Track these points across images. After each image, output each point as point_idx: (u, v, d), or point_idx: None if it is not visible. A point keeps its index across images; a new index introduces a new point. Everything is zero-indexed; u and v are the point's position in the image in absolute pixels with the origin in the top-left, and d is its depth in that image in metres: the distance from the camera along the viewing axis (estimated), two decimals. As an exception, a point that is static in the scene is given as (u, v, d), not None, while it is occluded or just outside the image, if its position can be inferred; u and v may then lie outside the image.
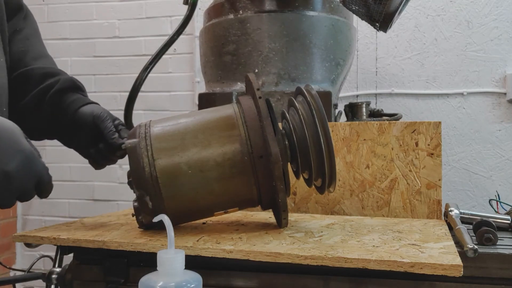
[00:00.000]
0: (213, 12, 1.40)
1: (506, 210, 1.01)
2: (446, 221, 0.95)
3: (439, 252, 0.68)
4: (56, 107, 0.91)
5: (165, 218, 0.55)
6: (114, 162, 0.93)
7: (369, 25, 1.27)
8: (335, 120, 1.35)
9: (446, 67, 1.98)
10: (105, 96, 2.39)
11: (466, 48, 1.97)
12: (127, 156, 0.81)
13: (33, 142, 0.71)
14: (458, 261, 0.62)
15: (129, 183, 0.82)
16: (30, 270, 1.00)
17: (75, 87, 0.93)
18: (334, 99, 1.32)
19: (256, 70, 1.30)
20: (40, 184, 0.71)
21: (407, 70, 2.02)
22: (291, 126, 0.82)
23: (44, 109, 0.91)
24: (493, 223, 0.80)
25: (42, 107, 0.91)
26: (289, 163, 0.85)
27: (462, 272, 0.61)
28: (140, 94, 1.43)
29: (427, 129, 1.03)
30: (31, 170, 0.69)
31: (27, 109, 0.91)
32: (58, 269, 0.87)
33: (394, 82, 2.03)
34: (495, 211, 1.07)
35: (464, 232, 0.77)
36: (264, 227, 0.88)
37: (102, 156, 0.91)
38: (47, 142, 2.51)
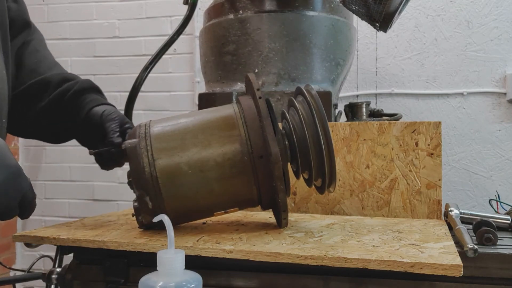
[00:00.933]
0: (213, 12, 1.40)
1: (506, 210, 1.01)
2: (446, 221, 0.95)
3: (439, 252, 0.68)
4: (74, 107, 0.92)
5: (165, 218, 0.55)
6: (120, 164, 0.93)
7: (369, 25, 1.27)
8: (335, 120, 1.35)
9: (446, 67, 1.98)
10: (105, 96, 2.39)
11: (466, 48, 1.97)
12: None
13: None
14: (458, 261, 0.62)
15: (129, 183, 0.82)
16: (30, 270, 1.00)
17: (93, 88, 0.95)
18: (334, 99, 1.32)
19: (256, 70, 1.30)
20: (23, 202, 0.69)
21: (407, 70, 2.02)
22: (291, 126, 0.82)
23: (62, 111, 0.92)
24: (493, 223, 0.80)
25: (61, 108, 0.92)
26: (289, 163, 0.85)
27: (462, 272, 0.61)
28: (140, 94, 1.44)
29: (427, 129, 1.03)
30: (16, 186, 0.66)
31: (45, 112, 0.92)
32: (58, 269, 0.87)
33: (394, 82, 2.03)
34: (495, 211, 1.07)
35: (464, 232, 0.77)
36: (264, 227, 0.88)
37: (107, 156, 0.91)
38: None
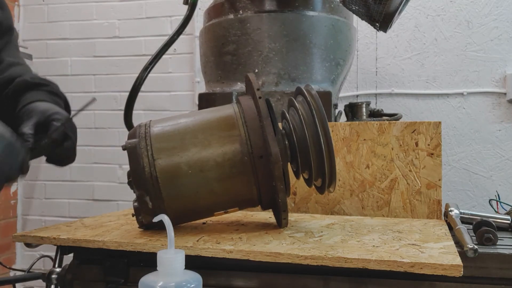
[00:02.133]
0: (213, 12, 1.40)
1: (506, 210, 1.01)
2: (446, 221, 0.95)
3: (439, 252, 0.68)
4: (11, 112, 0.87)
5: (165, 218, 0.55)
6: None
7: (369, 25, 1.27)
8: (335, 120, 1.35)
9: (446, 67, 1.98)
10: (105, 96, 2.39)
11: (466, 48, 1.97)
12: (127, 156, 0.81)
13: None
14: (458, 261, 0.62)
15: (129, 183, 0.82)
16: (30, 270, 1.00)
17: (29, 85, 0.88)
18: (334, 99, 1.32)
19: (256, 70, 1.30)
20: (23, 166, 0.72)
21: (407, 70, 2.02)
22: (291, 126, 0.82)
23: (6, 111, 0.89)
24: (493, 223, 0.80)
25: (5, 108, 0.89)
26: (289, 163, 0.85)
27: (462, 272, 0.61)
28: (140, 94, 1.43)
29: (427, 129, 1.03)
30: (15, 155, 0.69)
31: None
32: (58, 269, 0.87)
33: (394, 82, 2.03)
34: (495, 211, 1.07)
35: (464, 232, 0.77)
36: (264, 227, 0.88)
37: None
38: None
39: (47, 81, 0.91)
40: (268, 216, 1.01)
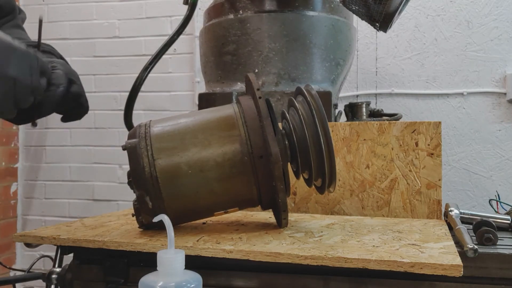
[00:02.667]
0: (213, 12, 1.40)
1: (506, 210, 1.01)
2: (446, 221, 0.95)
3: (439, 252, 0.68)
4: None
5: (165, 218, 0.55)
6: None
7: (369, 25, 1.27)
8: (335, 120, 1.35)
9: (446, 67, 1.98)
10: (105, 96, 2.39)
11: (466, 48, 1.97)
12: (127, 156, 0.81)
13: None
14: (458, 261, 0.62)
15: (129, 183, 0.82)
16: (30, 270, 1.00)
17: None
18: (334, 99, 1.32)
19: (256, 70, 1.30)
20: (46, 73, 0.71)
21: (407, 70, 2.02)
22: (291, 126, 0.82)
23: None
24: (493, 223, 0.80)
25: None
26: (289, 163, 0.85)
27: (462, 272, 0.61)
28: (140, 94, 1.43)
29: (427, 129, 1.03)
30: (32, 65, 0.68)
31: None
32: (58, 269, 0.87)
33: (394, 82, 2.03)
34: (495, 211, 1.07)
35: (464, 232, 0.77)
36: (264, 227, 0.88)
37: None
38: (47, 142, 2.52)
39: (32, 42, 0.89)
40: (268, 216, 1.01)
